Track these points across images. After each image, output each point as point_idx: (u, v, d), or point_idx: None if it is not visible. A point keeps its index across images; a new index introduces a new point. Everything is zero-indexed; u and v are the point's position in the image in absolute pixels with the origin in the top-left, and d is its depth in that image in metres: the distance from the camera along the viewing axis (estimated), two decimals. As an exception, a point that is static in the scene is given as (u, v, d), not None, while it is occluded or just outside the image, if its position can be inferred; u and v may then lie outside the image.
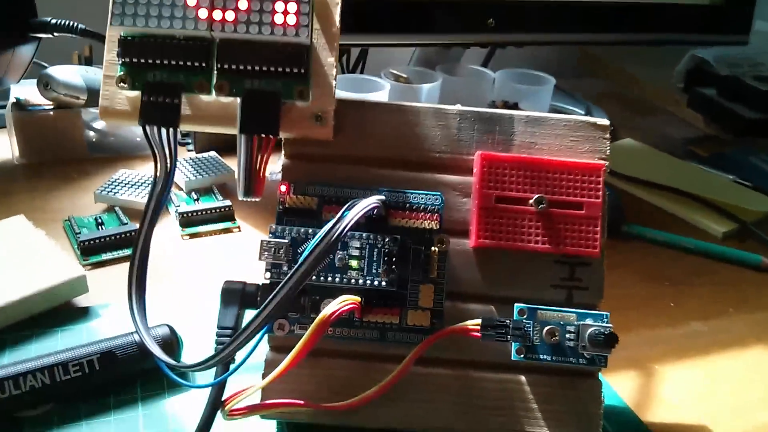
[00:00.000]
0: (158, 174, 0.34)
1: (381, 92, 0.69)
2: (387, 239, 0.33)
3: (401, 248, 0.33)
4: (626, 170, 0.67)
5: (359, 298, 0.32)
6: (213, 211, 0.56)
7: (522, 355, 0.33)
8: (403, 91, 0.72)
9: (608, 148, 0.37)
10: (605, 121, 0.38)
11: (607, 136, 0.38)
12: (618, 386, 0.43)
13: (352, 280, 0.33)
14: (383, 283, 0.33)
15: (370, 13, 0.61)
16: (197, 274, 0.50)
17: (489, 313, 0.36)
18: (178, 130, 0.34)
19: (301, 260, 0.29)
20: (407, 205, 0.35)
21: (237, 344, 0.29)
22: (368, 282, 0.33)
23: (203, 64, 0.34)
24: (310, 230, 0.33)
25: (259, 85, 0.34)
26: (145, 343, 0.32)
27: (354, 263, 0.33)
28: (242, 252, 0.53)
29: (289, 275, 0.29)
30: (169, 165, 0.34)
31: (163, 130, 0.34)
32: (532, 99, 0.78)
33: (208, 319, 0.43)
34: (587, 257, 0.36)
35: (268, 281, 0.33)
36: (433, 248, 0.34)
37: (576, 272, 0.37)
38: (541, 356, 0.34)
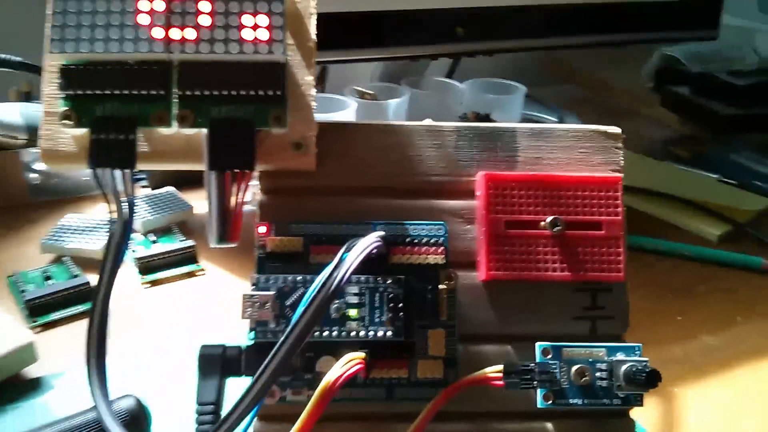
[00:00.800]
0: (115, 223, 0.29)
1: (347, 111, 0.65)
2: (389, 281, 0.29)
3: (406, 290, 0.29)
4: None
5: (364, 355, 0.27)
6: (174, 253, 0.51)
7: (550, 402, 0.29)
8: (369, 108, 0.68)
9: (622, 158, 0.34)
10: (617, 129, 0.34)
11: (620, 145, 0.34)
12: (638, 417, 0.39)
13: (352, 333, 0.28)
14: (389, 334, 0.28)
15: (330, 28, 0.57)
16: (162, 328, 0.45)
17: (506, 354, 0.32)
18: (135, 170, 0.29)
19: (296, 318, 0.25)
20: (408, 239, 0.31)
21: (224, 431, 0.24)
22: (371, 333, 0.28)
23: (161, 92, 0.29)
24: (299, 278, 0.29)
25: (228, 113, 0.29)
26: (107, 428, 0.27)
27: (353, 312, 0.28)
28: (210, 298, 0.48)
29: (283, 337, 0.24)
30: (126, 212, 0.29)
31: (118, 172, 0.29)
32: (503, 109, 0.74)
33: (178, 381, 0.38)
34: (609, 282, 0.33)
35: (252, 342, 0.28)
36: (441, 286, 0.30)
37: (598, 300, 0.33)
38: (572, 401, 0.29)
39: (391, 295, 0.28)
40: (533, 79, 0.81)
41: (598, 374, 0.30)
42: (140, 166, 0.29)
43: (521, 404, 0.31)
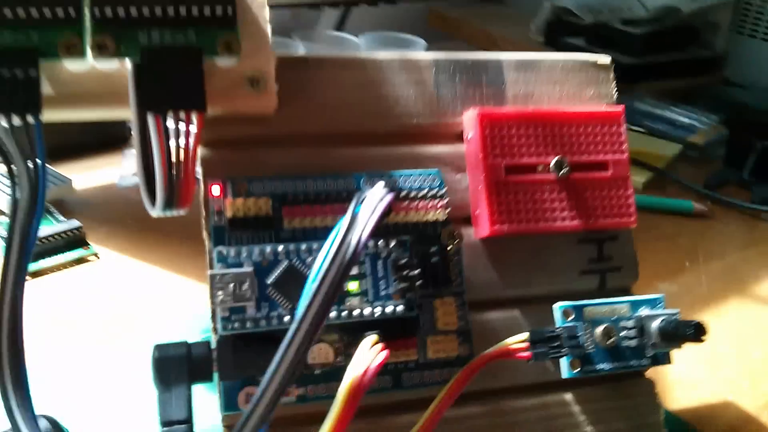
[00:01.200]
0: (18, 192, 0.21)
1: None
2: (393, 244, 0.23)
3: (412, 254, 0.23)
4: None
5: (377, 338, 0.21)
6: (57, 237, 0.42)
7: (578, 370, 0.25)
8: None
9: (615, 90, 0.30)
10: (606, 59, 0.30)
11: (611, 76, 0.30)
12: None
13: (355, 311, 0.22)
14: (399, 309, 0.23)
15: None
16: (57, 330, 0.36)
17: (513, 320, 0.27)
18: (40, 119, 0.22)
19: (308, 296, 0.18)
20: (402, 192, 0.25)
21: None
22: (378, 310, 0.22)
23: (70, 13, 0.21)
24: (280, 247, 0.22)
25: (162, 39, 0.22)
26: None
27: (353, 286, 0.22)
28: (110, 287, 0.40)
29: (296, 324, 0.18)
30: (33, 175, 0.21)
31: (17, 122, 0.21)
32: (403, 63, 0.70)
33: (91, 395, 0.31)
34: (614, 230, 0.29)
35: (225, 333, 0.22)
36: (448, 247, 0.25)
37: (605, 250, 0.29)
38: (599, 366, 0.25)
39: (401, 262, 0.22)
40: (421, 35, 0.77)
41: (623, 333, 0.26)
42: (47, 115, 0.22)
43: (533, 375, 0.27)
